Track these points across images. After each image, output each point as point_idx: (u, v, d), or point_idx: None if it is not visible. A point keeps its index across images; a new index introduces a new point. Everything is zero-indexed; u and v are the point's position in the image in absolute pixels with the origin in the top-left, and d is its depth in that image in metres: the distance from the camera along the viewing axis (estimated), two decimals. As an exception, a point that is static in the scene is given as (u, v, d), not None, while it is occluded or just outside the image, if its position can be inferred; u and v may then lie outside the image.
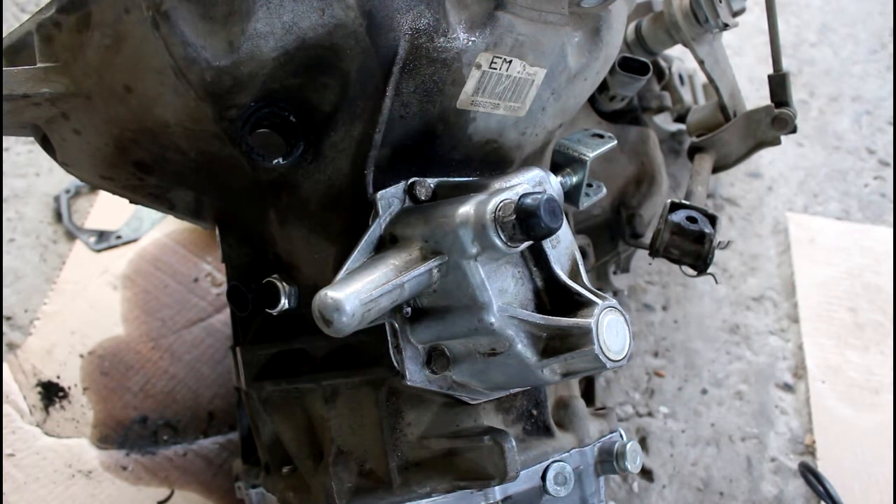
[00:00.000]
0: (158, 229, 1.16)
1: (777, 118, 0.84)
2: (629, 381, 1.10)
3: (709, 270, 0.77)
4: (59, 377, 1.00)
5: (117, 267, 1.12)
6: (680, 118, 1.11)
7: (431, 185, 0.57)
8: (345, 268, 0.51)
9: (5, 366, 0.99)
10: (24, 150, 1.25)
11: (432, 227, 0.51)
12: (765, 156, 1.38)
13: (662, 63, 1.01)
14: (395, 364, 0.55)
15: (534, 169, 0.59)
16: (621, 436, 0.68)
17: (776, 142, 0.86)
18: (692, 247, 0.76)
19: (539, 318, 0.53)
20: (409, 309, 0.54)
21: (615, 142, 0.71)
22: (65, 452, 0.95)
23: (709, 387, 1.10)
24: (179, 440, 0.97)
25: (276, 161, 0.55)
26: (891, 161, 1.41)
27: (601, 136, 0.71)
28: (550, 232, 0.47)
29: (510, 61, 0.56)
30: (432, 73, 0.53)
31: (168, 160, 0.58)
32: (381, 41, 0.51)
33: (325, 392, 0.62)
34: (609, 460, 0.64)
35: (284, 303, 0.60)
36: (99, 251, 1.15)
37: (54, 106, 0.55)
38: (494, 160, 0.62)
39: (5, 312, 1.07)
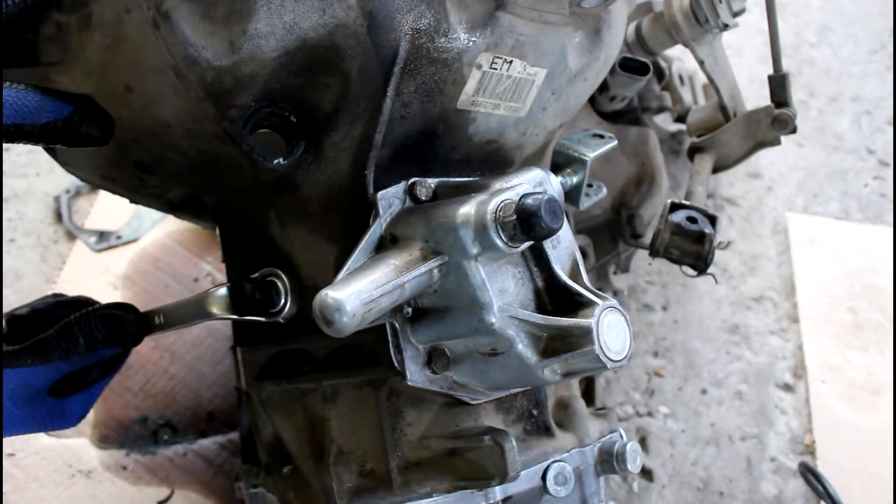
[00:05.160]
0: (159, 229, 1.16)
1: (777, 118, 0.84)
2: (629, 381, 1.10)
3: (709, 270, 0.77)
4: (59, 377, 1.00)
5: (118, 267, 1.12)
6: (680, 118, 1.11)
7: (432, 186, 0.57)
8: (345, 268, 0.51)
9: (5, 366, 0.99)
10: (24, 150, 1.25)
11: (433, 227, 0.51)
12: (764, 156, 1.38)
13: (662, 63, 1.01)
14: (396, 364, 0.55)
15: (534, 169, 0.59)
16: (621, 436, 0.68)
17: (776, 142, 0.86)
18: (692, 247, 0.77)
19: (539, 319, 0.53)
20: (409, 309, 0.54)
21: (615, 142, 0.71)
22: (65, 452, 0.95)
23: (709, 387, 1.10)
24: (179, 440, 0.97)
25: (276, 161, 0.55)
26: (890, 161, 1.41)
27: (601, 137, 0.71)
28: (551, 232, 0.47)
29: (511, 61, 0.56)
30: (433, 73, 0.53)
31: (169, 160, 0.58)
32: (382, 41, 0.51)
33: (325, 392, 0.62)
34: (609, 460, 0.64)
35: (285, 302, 0.60)
36: (99, 251, 1.15)
37: (55, 106, 0.55)
38: (495, 160, 0.62)
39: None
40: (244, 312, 0.61)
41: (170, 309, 0.64)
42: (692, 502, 1.00)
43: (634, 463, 0.64)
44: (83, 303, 0.67)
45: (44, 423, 0.64)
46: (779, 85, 0.84)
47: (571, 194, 0.70)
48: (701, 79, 1.16)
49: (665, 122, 1.09)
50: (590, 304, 0.54)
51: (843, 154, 1.42)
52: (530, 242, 0.50)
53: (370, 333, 0.54)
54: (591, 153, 0.69)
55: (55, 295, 0.69)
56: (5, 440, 0.94)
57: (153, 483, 0.94)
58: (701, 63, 0.85)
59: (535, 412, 0.64)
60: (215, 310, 0.61)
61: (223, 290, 0.61)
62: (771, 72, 0.84)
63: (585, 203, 0.71)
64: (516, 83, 0.58)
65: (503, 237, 0.48)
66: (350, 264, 0.51)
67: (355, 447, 0.61)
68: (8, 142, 0.52)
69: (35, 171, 1.24)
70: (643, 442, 1.04)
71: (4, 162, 1.23)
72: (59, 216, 1.19)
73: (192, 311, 0.63)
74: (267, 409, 0.67)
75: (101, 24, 0.50)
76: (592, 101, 0.91)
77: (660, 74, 1.00)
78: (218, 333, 1.04)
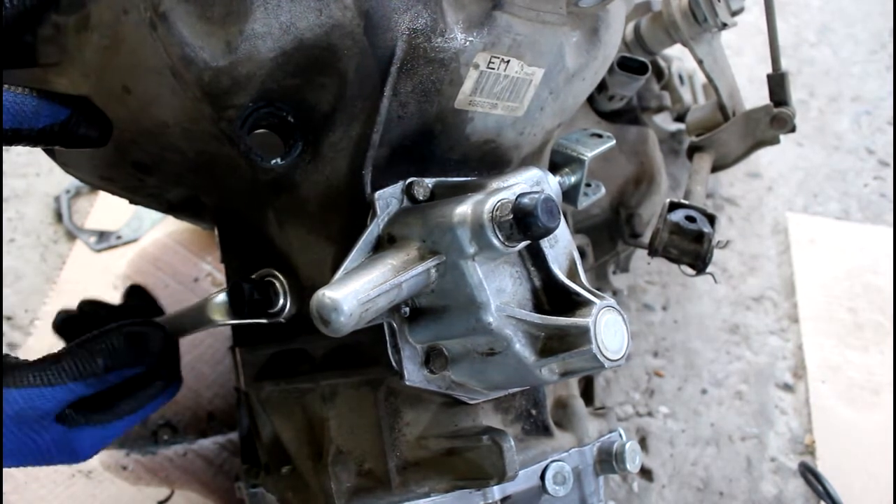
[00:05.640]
0: (158, 229, 1.16)
1: (776, 117, 0.84)
2: (629, 381, 1.10)
3: (708, 270, 0.77)
4: (59, 377, 1.00)
5: (118, 267, 1.12)
6: (679, 118, 1.11)
7: (429, 186, 0.57)
8: (342, 268, 0.51)
9: (5, 366, 0.99)
10: (24, 151, 1.26)
11: (430, 227, 0.51)
12: (764, 156, 1.38)
13: (661, 63, 1.01)
14: (394, 364, 0.55)
15: (532, 169, 0.59)
16: (621, 435, 0.68)
17: (775, 141, 0.86)
18: (691, 246, 0.77)
19: (537, 318, 0.53)
20: (407, 309, 0.54)
21: (614, 141, 0.71)
22: (65, 452, 0.95)
23: (709, 387, 1.10)
24: (179, 440, 0.97)
25: (274, 161, 0.55)
26: (890, 161, 1.41)
27: (600, 136, 0.71)
28: (548, 231, 0.47)
29: (508, 61, 0.57)
30: (430, 73, 0.53)
31: (167, 161, 0.58)
32: (379, 41, 0.51)
33: (323, 392, 0.62)
34: (608, 460, 0.64)
35: (284, 302, 0.60)
36: (99, 251, 1.15)
37: (53, 106, 0.55)
38: (492, 160, 0.62)
39: (5, 312, 1.07)
40: (243, 313, 0.61)
41: (170, 319, 0.64)
42: (692, 502, 1.00)
43: (634, 463, 0.64)
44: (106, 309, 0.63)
45: (48, 455, 0.57)
46: (778, 84, 0.84)
47: (570, 194, 0.70)
48: (700, 78, 1.16)
49: (664, 121, 1.09)
50: (587, 303, 0.54)
51: (843, 154, 1.42)
52: (527, 242, 0.50)
53: (368, 333, 0.54)
54: (590, 152, 0.69)
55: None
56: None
57: (153, 483, 0.94)
58: (700, 62, 0.85)
59: (533, 412, 0.64)
60: (216, 316, 0.60)
61: (221, 297, 0.61)
62: (770, 71, 0.84)
63: (584, 202, 0.71)
64: (514, 83, 0.58)
65: (500, 237, 0.48)
66: (347, 264, 0.51)
67: (354, 447, 0.61)
68: (6, 145, 0.52)
69: (35, 171, 1.24)
70: (643, 442, 1.04)
71: (4, 162, 1.23)
72: (59, 216, 1.19)
73: (193, 319, 0.62)
74: (266, 409, 0.67)
75: (99, 26, 0.50)
76: (591, 100, 0.91)
77: (659, 74, 1.00)
78: (218, 333, 1.04)
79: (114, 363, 0.57)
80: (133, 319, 0.61)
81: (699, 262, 0.76)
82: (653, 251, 0.78)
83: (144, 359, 0.59)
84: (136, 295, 0.65)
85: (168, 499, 0.93)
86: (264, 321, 0.60)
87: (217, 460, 0.96)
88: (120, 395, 0.59)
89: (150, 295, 0.65)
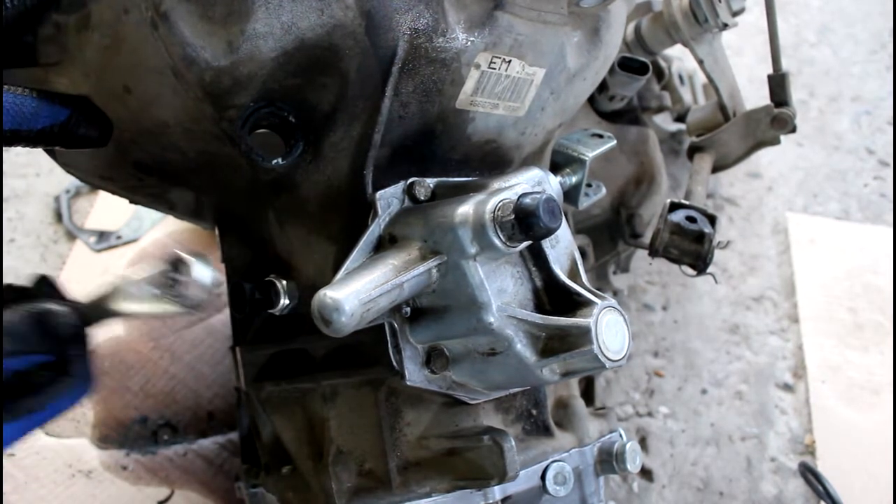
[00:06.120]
0: (158, 229, 1.16)
1: (776, 118, 0.84)
2: (629, 381, 1.10)
3: (708, 270, 0.77)
4: (59, 377, 1.00)
5: (118, 267, 1.12)
6: (680, 118, 1.11)
7: (430, 186, 0.57)
8: (344, 268, 0.51)
9: (5, 366, 0.99)
10: (23, 151, 1.26)
11: (431, 227, 0.51)
12: (764, 156, 1.38)
13: (662, 63, 1.01)
14: (395, 364, 0.55)
15: (533, 169, 0.59)
16: (621, 436, 0.68)
17: (775, 141, 0.86)
18: (692, 246, 0.77)
19: (538, 318, 0.53)
20: (408, 309, 0.54)
21: (614, 141, 0.71)
22: (65, 452, 0.95)
23: (709, 387, 1.10)
24: (179, 440, 0.97)
25: (275, 161, 0.55)
26: (890, 161, 1.41)
27: (601, 136, 0.72)
28: (549, 232, 0.47)
29: (509, 61, 0.56)
30: (431, 73, 0.53)
31: (167, 160, 0.58)
32: (380, 41, 0.51)
33: (324, 392, 0.62)
34: (609, 460, 0.64)
35: (284, 302, 0.60)
36: (99, 251, 1.15)
37: (54, 106, 0.55)
38: (494, 160, 0.62)
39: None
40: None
41: (78, 306, 0.56)
42: (692, 502, 0.99)
43: (634, 463, 0.64)
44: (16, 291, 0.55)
45: None
46: (778, 84, 0.84)
47: (570, 194, 0.70)
48: (701, 78, 1.16)
49: (665, 121, 1.09)
50: (588, 303, 0.54)
51: (843, 154, 1.42)
52: (528, 242, 0.50)
53: (369, 333, 0.54)
54: (591, 153, 0.69)
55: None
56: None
57: (153, 483, 0.94)
58: (700, 62, 0.85)
59: (534, 412, 0.64)
60: (122, 305, 0.54)
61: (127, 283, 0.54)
62: (771, 71, 0.84)
63: (584, 203, 0.71)
64: (515, 83, 0.58)
65: (501, 237, 0.48)
66: (348, 264, 0.51)
67: (354, 447, 0.61)
68: (6, 146, 0.52)
69: (35, 171, 1.24)
70: (643, 442, 1.04)
71: (4, 162, 1.23)
72: (59, 216, 1.19)
73: (98, 308, 0.55)
74: (266, 409, 0.67)
75: (100, 25, 0.50)
76: (592, 100, 0.91)
77: (659, 74, 1.00)
78: (218, 333, 1.04)
79: (14, 345, 0.49)
80: (42, 300, 0.53)
81: (700, 263, 0.76)
82: (653, 251, 0.78)
83: (50, 344, 0.51)
84: (46, 284, 0.59)
85: (168, 499, 0.93)
86: (179, 312, 0.54)
87: (217, 460, 0.96)
88: (22, 391, 0.51)
89: (59, 287, 0.59)
